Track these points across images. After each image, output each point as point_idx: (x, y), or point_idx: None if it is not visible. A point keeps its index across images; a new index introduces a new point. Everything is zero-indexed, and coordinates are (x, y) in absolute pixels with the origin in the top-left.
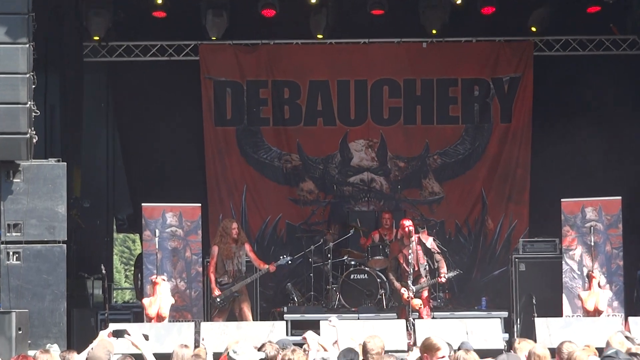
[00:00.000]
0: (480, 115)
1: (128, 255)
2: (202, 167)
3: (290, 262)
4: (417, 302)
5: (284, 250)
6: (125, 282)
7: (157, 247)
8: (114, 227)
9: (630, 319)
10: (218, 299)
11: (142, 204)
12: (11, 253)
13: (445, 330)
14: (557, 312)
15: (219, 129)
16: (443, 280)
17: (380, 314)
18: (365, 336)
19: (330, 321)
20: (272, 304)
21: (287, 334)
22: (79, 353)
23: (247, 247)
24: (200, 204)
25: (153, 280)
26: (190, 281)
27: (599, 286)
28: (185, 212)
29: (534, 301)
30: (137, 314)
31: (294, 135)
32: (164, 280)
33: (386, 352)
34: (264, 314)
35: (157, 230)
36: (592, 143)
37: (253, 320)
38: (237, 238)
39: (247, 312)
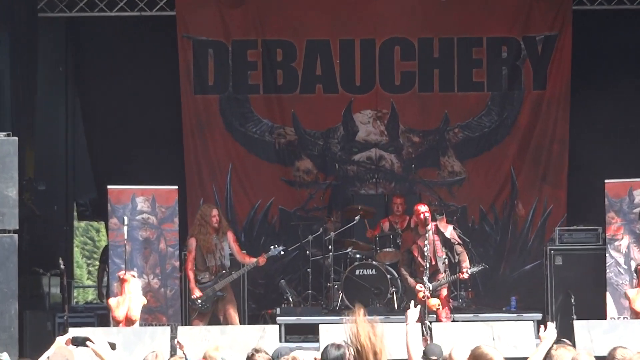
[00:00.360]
0: (509, 81)
1: (91, 248)
2: (179, 143)
3: (283, 252)
4: (434, 302)
5: (277, 241)
6: (87, 279)
7: (125, 237)
8: (75, 214)
9: None
10: (199, 301)
11: (108, 187)
12: None
13: (468, 335)
14: (600, 314)
15: (199, 98)
16: (465, 276)
17: (391, 317)
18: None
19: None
20: (263, 304)
21: (280, 340)
22: None
23: (230, 236)
24: (177, 187)
25: (121, 276)
26: (165, 278)
27: None
28: (160, 195)
29: (572, 301)
30: (101, 317)
31: (288, 105)
32: (133, 276)
33: None
34: (253, 316)
35: (125, 218)
36: None
37: (240, 323)
38: (218, 227)
39: (233, 314)
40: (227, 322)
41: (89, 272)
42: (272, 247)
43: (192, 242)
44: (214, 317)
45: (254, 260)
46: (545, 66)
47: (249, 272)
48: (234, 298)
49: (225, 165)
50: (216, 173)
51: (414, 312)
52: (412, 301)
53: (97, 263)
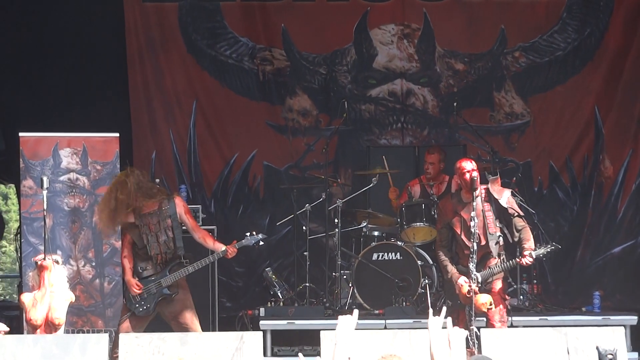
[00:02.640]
0: None
1: None
2: (121, 71)
3: (262, 242)
4: (484, 300)
5: (260, 212)
6: None
7: (45, 206)
8: None
9: None
10: (138, 300)
11: (20, 134)
12: None
13: (533, 345)
14: None
15: (149, 7)
16: (528, 261)
17: (423, 320)
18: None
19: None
20: (241, 302)
21: (265, 353)
22: None
23: (179, 204)
24: (117, 134)
25: (39, 263)
26: (101, 264)
27: None
28: (93, 147)
29: None
30: (11, 320)
31: (277, 17)
32: (56, 262)
33: None
34: (227, 319)
35: (44, 179)
36: None
37: (203, 330)
38: (158, 201)
39: (190, 318)
40: (180, 328)
41: None
42: (246, 234)
43: (130, 218)
44: (159, 322)
45: (220, 247)
46: None
47: (220, 260)
48: (190, 295)
49: (188, 103)
50: (174, 114)
51: (436, 321)
52: (448, 302)
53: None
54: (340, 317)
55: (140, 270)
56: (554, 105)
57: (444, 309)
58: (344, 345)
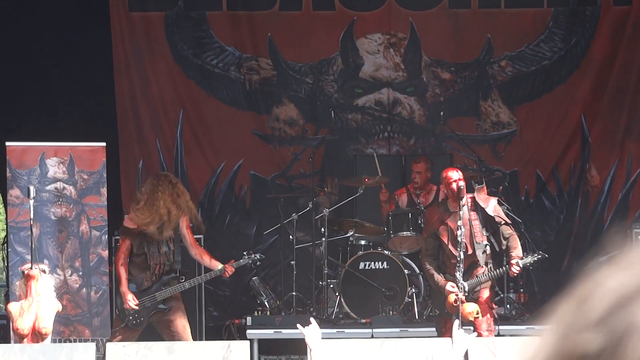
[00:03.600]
0: None
1: None
2: (108, 79)
3: (259, 262)
4: (471, 309)
5: (247, 221)
6: None
7: (31, 216)
8: None
9: None
10: (132, 313)
11: (7, 143)
12: None
13: (518, 355)
14: None
15: (135, 16)
16: (516, 270)
17: (410, 329)
18: None
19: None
20: (228, 311)
21: None
22: None
23: (183, 220)
24: (104, 143)
25: (25, 272)
26: (88, 273)
27: None
28: (80, 156)
29: None
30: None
31: (263, 26)
32: (43, 272)
33: None
34: (214, 328)
35: (31, 188)
36: None
37: (193, 338)
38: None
39: (182, 326)
40: (172, 337)
41: None
42: (244, 254)
43: (130, 225)
44: (151, 331)
45: (217, 267)
46: None
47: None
48: (182, 304)
49: (174, 113)
50: (161, 123)
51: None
52: (436, 311)
53: None
54: (299, 327)
55: (137, 280)
56: (541, 114)
57: (456, 322)
58: (318, 348)
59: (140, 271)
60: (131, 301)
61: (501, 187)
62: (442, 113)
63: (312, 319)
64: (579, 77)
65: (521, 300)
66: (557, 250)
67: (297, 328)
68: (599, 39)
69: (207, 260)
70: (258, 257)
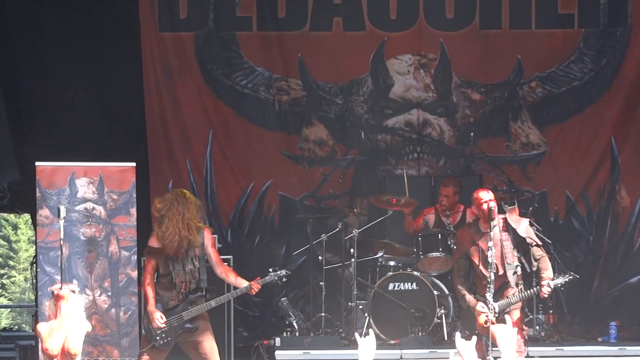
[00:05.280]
0: (609, 13)
1: (6, 252)
2: (138, 101)
3: (285, 278)
4: None
5: (276, 242)
6: (1, 296)
7: (61, 236)
8: None
9: None
10: (159, 333)
11: (37, 164)
12: None
13: None
14: None
15: (166, 37)
16: (547, 292)
17: (439, 350)
18: None
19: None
20: (258, 331)
21: None
22: None
23: (208, 237)
24: (134, 164)
25: (55, 292)
26: (117, 294)
27: None
28: (110, 176)
29: None
30: (26, 350)
31: (293, 48)
32: (73, 292)
33: None
34: (244, 348)
35: (61, 208)
36: None
37: (221, 359)
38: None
39: (209, 347)
40: (200, 358)
41: (3, 287)
42: (270, 270)
43: (155, 244)
44: (179, 352)
45: (243, 284)
46: None
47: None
48: (209, 325)
49: (204, 133)
50: (191, 143)
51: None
52: (466, 332)
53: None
54: (357, 337)
55: (164, 299)
56: (571, 135)
57: (474, 338)
58: None
59: (167, 290)
60: (159, 320)
61: (531, 208)
62: (472, 134)
63: (370, 330)
64: (609, 98)
65: (550, 321)
66: (587, 271)
67: (325, 349)
68: (629, 60)
69: (232, 278)
70: (284, 273)
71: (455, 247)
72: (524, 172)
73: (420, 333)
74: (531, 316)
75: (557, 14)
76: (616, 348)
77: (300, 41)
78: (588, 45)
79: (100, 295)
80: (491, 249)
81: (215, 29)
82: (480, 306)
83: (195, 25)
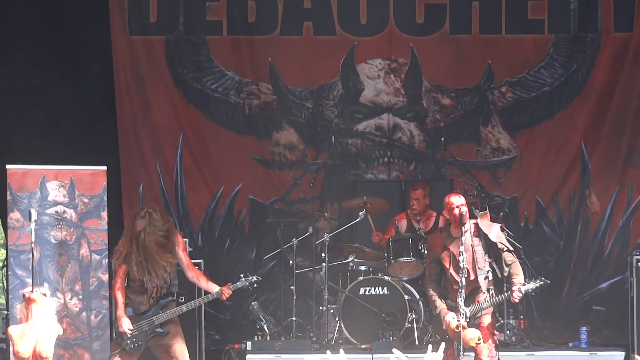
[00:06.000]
0: (579, 18)
1: None
2: (109, 105)
3: (256, 284)
4: (472, 335)
5: (246, 246)
6: None
7: (32, 239)
8: None
9: None
10: (129, 337)
11: (7, 166)
12: None
13: None
14: None
15: (136, 40)
16: (517, 297)
17: (410, 355)
18: None
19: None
20: (229, 335)
21: None
22: None
23: (179, 240)
24: (105, 167)
25: (26, 295)
26: (88, 297)
27: None
28: (81, 180)
29: None
30: None
31: (263, 52)
32: (44, 295)
33: None
34: (215, 352)
35: (32, 211)
36: None
37: None
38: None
39: (180, 351)
40: None
41: None
42: (241, 276)
43: (125, 249)
44: (149, 356)
45: (214, 289)
46: None
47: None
48: (180, 328)
49: (174, 137)
50: (162, 147)
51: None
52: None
53: None
54: (329, 354)
55: (135, 304)
56: (541, 140)
57: (442, 344)
58: None
59: (138, 295)
60: (125, 325)
61: (501, 214)
62: (443, 139)
63: (341, 350)
64: (579, 104)
65: (521, 326)
66: (557, 276)
67: (296, 353)
68: (599, 66)
69: (203, 282)
70: (255, 279)
71: (426, 252)
72: (494, 177)
73: (391, 338)
74: (502, 321)
75: (528, 19)
76: (587, 353)
77: (270, 45)
78: (558, 51)
79: (71, 299)
80: (462, 254)
81: (186, 32)
82: (450, 317)
83: (166, 29)
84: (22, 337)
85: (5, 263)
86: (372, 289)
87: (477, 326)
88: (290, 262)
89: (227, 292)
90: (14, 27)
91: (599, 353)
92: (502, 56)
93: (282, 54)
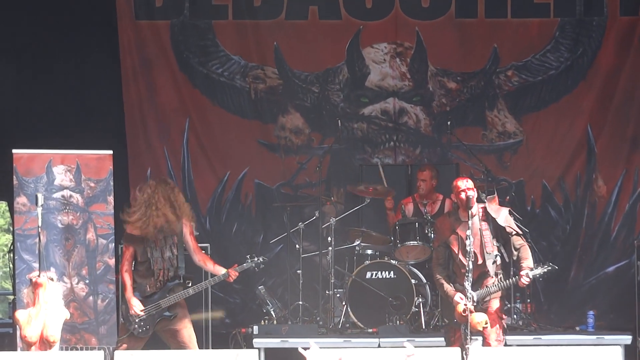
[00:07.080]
0: (585, 2)
1: None
2: (115, 89)
3: (262, 265)
4: (480, 319)
5: (253, 230)
6: None
7: (39, 223)
8: None
9: None
10: (137, 321)
11: (13, 151)
12: None
13: None
14: None
15: (142, 25)
16: (525, 282)
17: (417, 339)
18: None
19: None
20: (238, 319)
21: None
22: None
23: (186, 222)
24: (111, 151)
25: (33, 280)
26: (94, 282)
27: None
28: (87, 164)
29: None
30: (2, 337)
31: (269, 36)
32: (51, 280)
33: None
34: (222, 336)
35: (39, 196)
36: None
37: (199, 347)
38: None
39: (187, 336)
40: (177, 345)
41: None
42: (247, 257)
43: (134, 232)
44: (157, 340)
45: (221, 272)
46: None
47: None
48: (187, 313)
49: (180, 121)
50: (169, 132)
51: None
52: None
53: None
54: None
55: (141, 287)
56: (547, 124)
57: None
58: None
59: (145, 278)
60: (137, 307)
61: (508, 197)
62: (449, 123)
63: (312, 343)
64: (585, 88)
65: (528, 310)
66: (564, 260)
67: (303, 337)
68: (605, 50)
69: (210, 266)
70: (261, 259)
71: (433, 235)
72: (500, 161)
73: (398, 321)
74: (509, 305)
75: (533, 3)
76: (594, 337)
77: (276, 29)
78: (564, 35)
79: (77, 283)
80: (470, 238)
81: (191, 17)
82: (458, 297)
83: (171, 13)
84: (29, 321)
85: (10, 248)
86: (379, 272)
87: (485, 310)
88: (297, 246)
89: (233, 274)
90: (20, 12)
91: (605, 337)
92: (508, 40)
93: (287, 38)
